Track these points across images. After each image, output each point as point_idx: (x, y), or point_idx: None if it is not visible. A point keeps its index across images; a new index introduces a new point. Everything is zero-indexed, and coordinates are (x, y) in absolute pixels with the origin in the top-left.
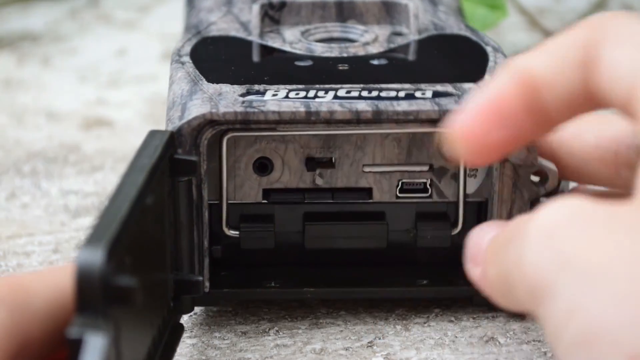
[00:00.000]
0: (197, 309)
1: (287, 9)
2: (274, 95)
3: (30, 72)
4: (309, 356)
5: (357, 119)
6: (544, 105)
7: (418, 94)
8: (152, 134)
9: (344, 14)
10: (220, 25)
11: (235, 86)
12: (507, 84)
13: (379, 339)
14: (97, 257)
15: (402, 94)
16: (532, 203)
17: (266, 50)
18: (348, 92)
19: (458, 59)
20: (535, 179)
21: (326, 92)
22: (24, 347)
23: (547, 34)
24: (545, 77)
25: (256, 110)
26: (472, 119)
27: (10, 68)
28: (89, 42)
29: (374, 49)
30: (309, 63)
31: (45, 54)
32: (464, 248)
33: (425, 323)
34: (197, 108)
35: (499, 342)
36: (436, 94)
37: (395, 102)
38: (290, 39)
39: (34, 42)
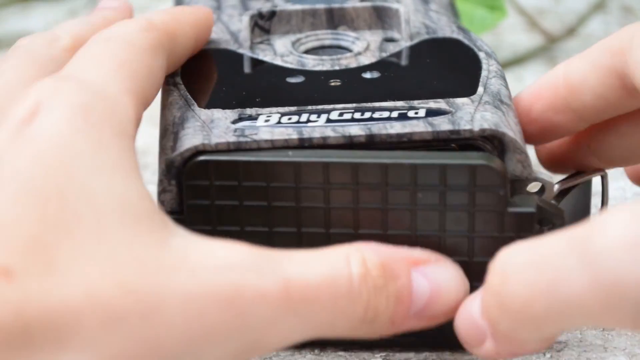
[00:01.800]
0: None
1: (277, 18)
2: (266, 120)
3: None
4: (308, 357)
5: (350, 144)
6: (580, 105)
7: (411, 113)
8: None
9: (334, 20)
10: (211, 36)
11: (227, 111)
12: (544, 86)
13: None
14: None
15: (395, 114)
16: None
17: (257, 65)
18: (340, 114)
19: (451, 68)
20: (532, 189)
21: (319, 116)
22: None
23: (546, 35)
24: (579, 79)
25: (249, 139)
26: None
27: None
28: None
29: (366, 60)
30: (300, 79)
31: None
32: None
33: None
34: (190, 139)
35: None
36: (429, 113)
37: (388, 124)
38: (281, 51)
39: None
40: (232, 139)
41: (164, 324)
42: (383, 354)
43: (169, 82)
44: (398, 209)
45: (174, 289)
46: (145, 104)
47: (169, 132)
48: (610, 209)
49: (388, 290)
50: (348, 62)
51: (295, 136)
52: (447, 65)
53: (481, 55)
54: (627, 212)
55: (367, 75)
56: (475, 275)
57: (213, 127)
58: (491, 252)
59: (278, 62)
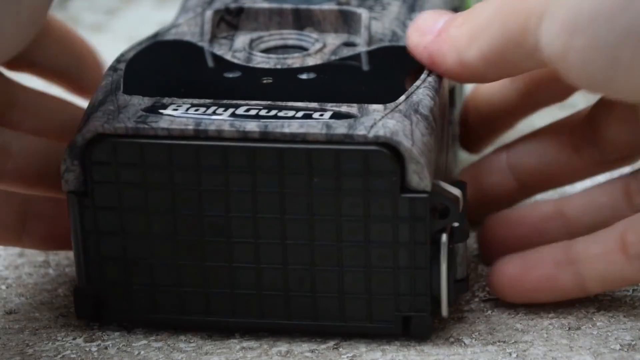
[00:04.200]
0: None
1: (245, 15)
2: (174, 110)
3: None
4: (275, 359)
5: (244, 139)
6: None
7: (316, 114)
8: None
9: (301, 21)
10: (182, 28)
11: (146, 98)
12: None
13: (345, 340)
14: None
15: (300, 114)
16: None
17: (202, 57)
18: (247, 110)
19: (387, 76)
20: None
21: (226, 109)
22: None
23: None
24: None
25: (147, 126)
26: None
27: None
28: None
29: (311, 61)
30: (236, 75)
31: None
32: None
33: None
34: (94, 122)
35: (465, 343)
36: (334, 116)
37: (286, 123)
38: (237, 47)
39: None
40: (131, 124)
41: None
42: (350, 354)
43: (110, 68)
44: (295, 194)
45: None
46: None
47: (85, 113)
48: None
49: None
50: (292, 62)
51: (191, 127)
52: (386, 73)
53: None
54: None
55: (303, 76)
56: (372, 259)
57: (122, 112)
58: (387, 237)
59: (227, 56)
